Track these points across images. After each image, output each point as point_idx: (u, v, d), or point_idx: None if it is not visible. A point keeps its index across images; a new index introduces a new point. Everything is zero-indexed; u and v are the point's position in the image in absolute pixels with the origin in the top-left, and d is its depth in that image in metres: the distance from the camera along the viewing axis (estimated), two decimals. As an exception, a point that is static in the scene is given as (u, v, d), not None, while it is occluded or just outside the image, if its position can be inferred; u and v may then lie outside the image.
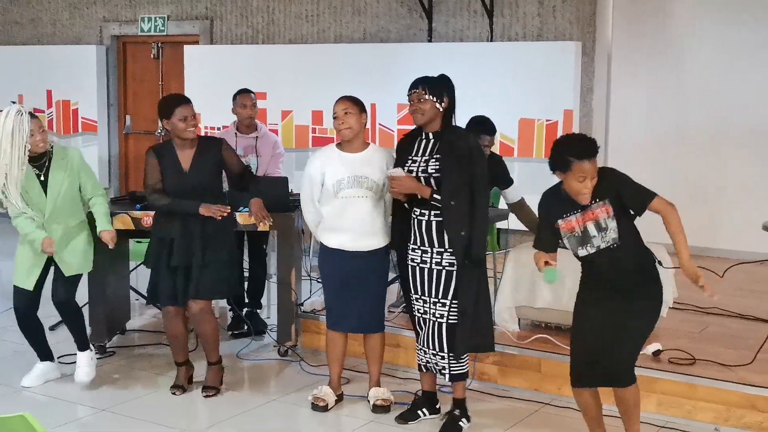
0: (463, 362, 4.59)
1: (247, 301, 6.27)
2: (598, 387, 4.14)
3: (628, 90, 8.01)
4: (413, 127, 4.64)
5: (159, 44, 9.91)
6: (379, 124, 7.86)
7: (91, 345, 5.32)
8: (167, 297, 5.03)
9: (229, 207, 4.98)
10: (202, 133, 5.34)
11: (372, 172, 4.70)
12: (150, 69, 10.05)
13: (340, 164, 4.73)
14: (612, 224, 3.89)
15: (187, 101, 5.01)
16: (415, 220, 4.54)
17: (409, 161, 4.53)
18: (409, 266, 4.60)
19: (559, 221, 4.01)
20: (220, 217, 4.88)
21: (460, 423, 4.60)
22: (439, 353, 4.54)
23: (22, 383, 5.22)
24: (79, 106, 9.76)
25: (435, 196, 4.40)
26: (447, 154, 4.42)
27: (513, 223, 5.77)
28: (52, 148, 5.04)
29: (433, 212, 4.46)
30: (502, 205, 5.97)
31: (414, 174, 4.48)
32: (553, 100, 7.34)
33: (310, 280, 6.64)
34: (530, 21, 7.64)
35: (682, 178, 7.74)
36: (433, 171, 4.44)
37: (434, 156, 4.47)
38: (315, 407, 4.87)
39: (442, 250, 4.47)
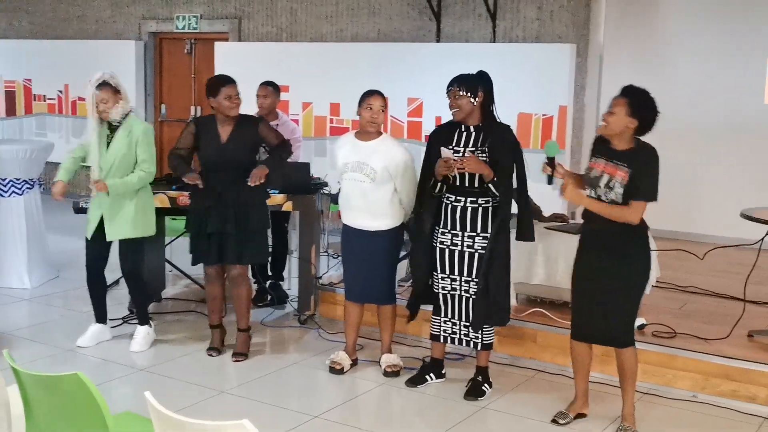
0: (491, 333, 4.55)
1: (270, 273, 6.23)
2: (594, 343, 4.12)
3: (616, 87, 7.83)
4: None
5: (192, 41, 9.82)
6: (391, 116, 7.77)
7: (150, 322, 5.27)
8: (207, 259, 5.01)
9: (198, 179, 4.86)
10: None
11: (374, 160, 4.64)
12: (183, 63, 9.97)
13: (351, 150, 4.71)
14: (619, 190, 3.85)
15: (232, 81, 4.94)
16: (449, 206, 4.44)
17: (451, 150, 4.39)
18: (438, 248, 4.51)
19: (592, 158, 4.01)
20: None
21: (483, 388, 4.56)
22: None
23: (78, 343, 5.19)
24: (119, 95, 9.70)
25: (494, 179, 4.30)
26: (498, 145, 4.32)
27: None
28: (125, 117, 5.01)
29: (469, 199, 4.39)
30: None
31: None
32: (549, 97, 7.26)
33: (328, 256, 6.64)
34: (530, 24, 7.55)
35: (665, 168, 7.63)
36: (483, 160, 4.33)
37: (481, 147, 4.35)
38: (332, 370, 4.86)
39: (474, 234, 4.40)
